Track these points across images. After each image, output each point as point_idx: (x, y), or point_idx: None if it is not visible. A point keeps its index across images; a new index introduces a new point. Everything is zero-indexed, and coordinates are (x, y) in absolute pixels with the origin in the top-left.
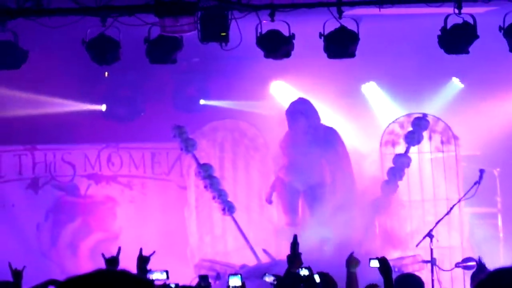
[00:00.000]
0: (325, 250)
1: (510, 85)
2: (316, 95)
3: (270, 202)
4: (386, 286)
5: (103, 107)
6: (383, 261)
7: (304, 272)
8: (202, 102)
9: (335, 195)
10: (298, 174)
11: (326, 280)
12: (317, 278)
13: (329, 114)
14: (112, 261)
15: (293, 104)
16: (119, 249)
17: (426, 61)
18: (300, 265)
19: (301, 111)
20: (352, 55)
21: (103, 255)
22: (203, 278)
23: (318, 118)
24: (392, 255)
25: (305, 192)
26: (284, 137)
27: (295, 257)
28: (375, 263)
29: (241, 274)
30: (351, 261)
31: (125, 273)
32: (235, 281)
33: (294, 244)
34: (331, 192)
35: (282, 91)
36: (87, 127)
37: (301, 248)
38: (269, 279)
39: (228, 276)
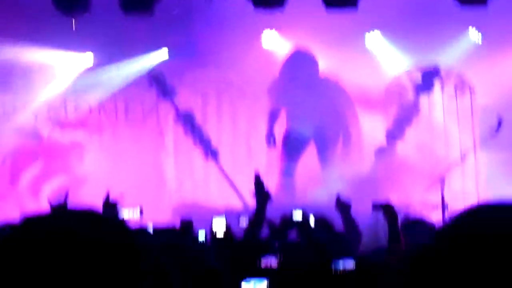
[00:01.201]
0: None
1: None
2: (313, 46)
3: (271, 142)
4: (391, 234)
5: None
6: (387, 207)
7: (297, 215)
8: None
9: (343, 146)
10: (304, 118)
11: (321, 224)
12: (312, 222)
13: (328, 65)
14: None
15: (293, 54)
16: (67, 194)
17: (439, 12)
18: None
19: (300, 60)
20: (353, 4)
21: (49, 201)
22: (188, 223)
23: (317, 69)
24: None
25: (315, 139)
26: (275, 84)
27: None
28: (378, 209)
29: (225, 216)
30: (340, 205)
31: (91, 213)
32: (220, 221)
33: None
34: (340, 143)
35: (274, 42)
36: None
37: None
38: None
39: (212, 218)
